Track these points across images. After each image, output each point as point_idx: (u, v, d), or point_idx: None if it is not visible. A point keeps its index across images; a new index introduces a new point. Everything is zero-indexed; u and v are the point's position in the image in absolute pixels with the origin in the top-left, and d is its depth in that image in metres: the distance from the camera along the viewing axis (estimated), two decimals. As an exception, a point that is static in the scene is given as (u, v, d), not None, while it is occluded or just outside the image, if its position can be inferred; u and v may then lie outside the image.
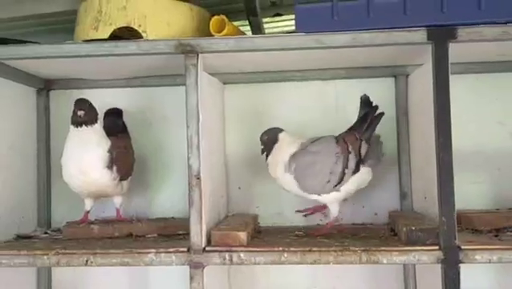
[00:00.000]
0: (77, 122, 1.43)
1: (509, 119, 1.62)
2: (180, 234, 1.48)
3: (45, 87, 1.73)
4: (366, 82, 1.65)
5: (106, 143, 1.47)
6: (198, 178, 1.25)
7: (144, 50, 1.27)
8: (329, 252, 1.22)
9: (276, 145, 1.45)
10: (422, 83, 1.43)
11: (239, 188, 1.72)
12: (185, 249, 1.25)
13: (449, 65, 1.20)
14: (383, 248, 1.21)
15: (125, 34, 1.31)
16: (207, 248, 1.25)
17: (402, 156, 1.63)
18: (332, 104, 1.68)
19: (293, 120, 1.65)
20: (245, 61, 1.47)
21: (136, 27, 1.30)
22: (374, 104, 1.46)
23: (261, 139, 1.47)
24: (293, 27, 1.98)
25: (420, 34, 1.21)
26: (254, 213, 1.67)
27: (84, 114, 1.42)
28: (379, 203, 1.66)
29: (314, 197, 1.42)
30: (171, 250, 1.26)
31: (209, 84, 1.44)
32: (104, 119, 1.62)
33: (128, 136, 1.65)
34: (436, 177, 1.22)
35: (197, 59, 1.26)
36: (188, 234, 1.43)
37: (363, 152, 1.42)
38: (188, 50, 1.26)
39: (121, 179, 1.51)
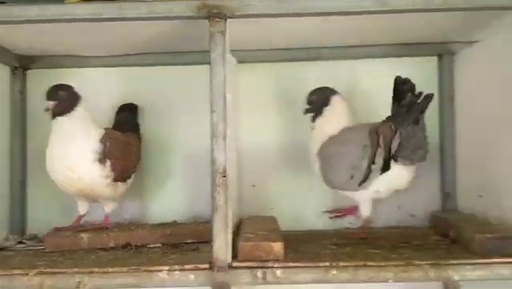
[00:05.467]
0: (52, 114, 1.22)
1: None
2: (188, 243, 1.23)
3: (21, 65, 1.45)
4: (404, 61, 1.42)
5: (96, 131, 1.24)
6: (224, 176, 0.99)
7: (157, 13, 1.00)
8: (388, 267, 0.98)
9: (327, 108, 1.26)
10: (480, 62, 1.21)
11: (253, 186, 1.47)
12: (207, 265, 0.99)
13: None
14: (454, 261, 0.98)
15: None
16: (234, 264, 1.00)
17: (446, 148, 1.41)
18: (365, 87, 1.44)
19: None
20: (270, 33, 1.22)
21: (145, -16, 1.03)
22: (414, 89, 1.21)
23: (308, 97, 1.28)
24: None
25: None
26: (272, 216, 1.42)
27: (56, 105, 1.21)
28: (416, 203, 1.43)
29: (343, 192, 1.25)
30: (188, 266, 0.99)
31: (230, 61, 1.18)
32: (116, 115, 1.41)
33: (138, 136, 1.41)
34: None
35: (225, 24, 1.00)
36: (200, 242, 1.22)
37: (393, 147, 1.20)
38: (214, 14, 0.99)
39: (116, 180, 1.24)
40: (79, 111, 1.23)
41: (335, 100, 1.26)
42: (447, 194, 1.41)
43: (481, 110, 1.22)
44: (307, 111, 1.28)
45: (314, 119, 1.28)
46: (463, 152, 1.36)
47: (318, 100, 1.27)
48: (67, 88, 1.23)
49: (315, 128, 1.27)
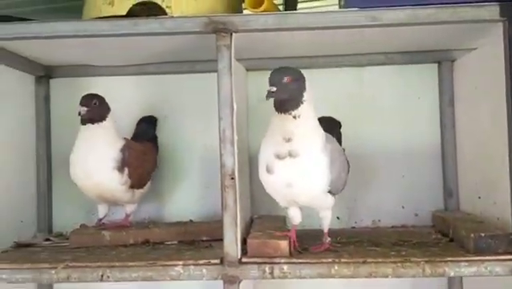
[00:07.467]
0: (82, 120, 1.29)
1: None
2: (204, 241, 1.31)
3: (45, 74, 1.54)
4: (405, 68, 1.49)
5: (118, 141, 1.32)
6: (233, 178, 1.08)
7: (168, 28, 1.09)
8: (387, 264, 1.05)
9: (306, 98, 1.04)
10: (478, 68, 1.27)
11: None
12: (218, 260, 1.08)
13: (525, 46, 1.04)
14: (449, 258, 1.05)
15: (144, 11, 1.12)
16: (243, 259, 1.08)
17: (447, 150, 1.47)
18: (368, 93, 1.51)
19: (324, 111, 1.47)
20: (276, 44, 1.29)
21: (158, 2, 1.12)
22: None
23: (278, 78, 1.02)
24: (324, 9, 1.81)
25: (491, 11, 1.04)
26: (282, 215, 1.49)
27: (87, 111, 1.27)
28: (420, 202, 1.50)
29: (320, 195, 1.12)
30: (201, 262, 1.08)
31: (238, 70, 1.26)
32: (136, 125, 1.51)
33: (154, 146, 1.49)
34: (507, 174, 1.06)
35: (231, 39, 1.08)
36: (213, 240, 1.29)
37: None
38: (220, 29, 1.07)
39: (132, 186, 1.33)
40: (108, 121, 1.30)
41: (308, 89, 1.07)
42: (449, 194, 1.47)
43: (476, 114, 1.27)
44: (277, 95, 1.05)
45: (285, 108, 1.06)
46: (464, 154, 1.42)
47: (298, 85, 1.05)
48: (100, 98, 1.30)
49: (298, 118, 1.06)
